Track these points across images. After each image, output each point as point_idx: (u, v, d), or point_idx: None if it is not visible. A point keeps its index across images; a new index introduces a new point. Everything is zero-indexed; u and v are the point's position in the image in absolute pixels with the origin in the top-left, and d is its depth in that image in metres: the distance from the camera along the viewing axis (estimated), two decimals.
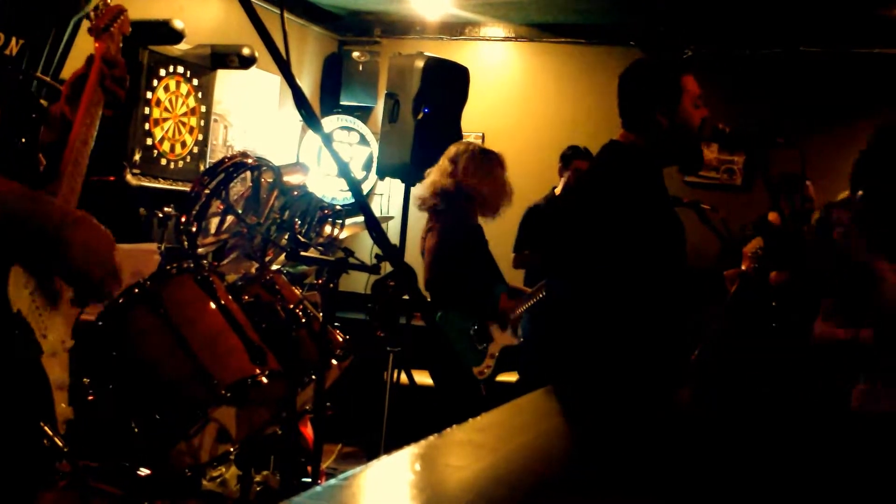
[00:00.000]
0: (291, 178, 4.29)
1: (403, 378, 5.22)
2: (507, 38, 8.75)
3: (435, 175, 5.22)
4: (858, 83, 7.62)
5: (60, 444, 2.36)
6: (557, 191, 6.74)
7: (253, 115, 7.85)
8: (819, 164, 6.38)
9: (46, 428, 2.33)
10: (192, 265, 3.71)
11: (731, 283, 3.59)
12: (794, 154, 3.56)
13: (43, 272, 2.36)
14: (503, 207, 5.44)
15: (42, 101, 2.80)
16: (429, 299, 5.23)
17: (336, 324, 4.41)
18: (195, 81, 7.10)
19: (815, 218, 5.96)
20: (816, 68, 7.70)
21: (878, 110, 7.58)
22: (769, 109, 7.63)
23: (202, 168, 6.98)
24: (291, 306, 4.00)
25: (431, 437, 1.45)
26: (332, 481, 1.19)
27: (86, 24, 2.78)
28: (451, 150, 5.29)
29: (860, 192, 3.07)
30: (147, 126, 6.68)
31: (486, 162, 5.26)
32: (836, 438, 2.05)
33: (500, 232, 6.20)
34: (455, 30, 8.79)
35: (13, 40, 2.78)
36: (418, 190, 5.36)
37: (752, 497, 1.39)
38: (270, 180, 4.07)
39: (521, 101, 8.68)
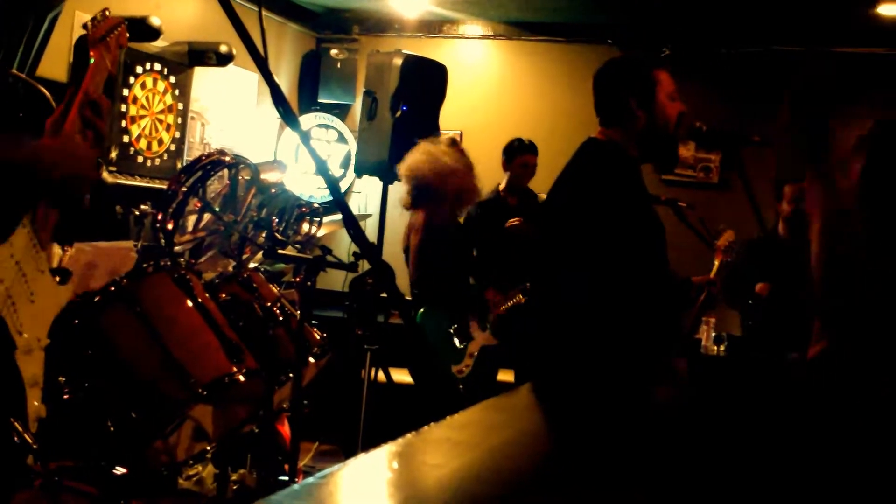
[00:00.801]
0: (269, 176, 4.28)
1: (381, 376, 5.22)
2: (485, 36, 8.75)
3: (418, 172, 5.20)
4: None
5: (30, 440, 2.35)
6: (501, 187, 6.59)
7: (230, 113, 7.82)
8: (794, 161, 6.41)
9: (17, 424, 2.32)
10: (168, 263, 3.70)
11: (700, 292, 3.60)
12: (771, 152, 3.58)
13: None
14: (471, 204, 5.44)
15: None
16: (410, 297, 5.23)
17: (313, 322, 4.40)
18: (172, 79, 7.08)
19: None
20: (792, 67, 7.74)
21: (853, 108, 7.63)
22: (745, 108, 7.66)
23: (179, 166, 6.96)
24: (269, 304, 3.99)
25: (409, 435, 1.45)
26: (310, 479, 1.19)
27: (64, 21, 2.78)
28: (430, 146, 5.27)
29: None
30: (123, 123, 6.65)
31: (464, 157, 5.26)
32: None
33: None
34: (433, 27, 8.79)
35: None
36: (401, 188, 5.34)
37: (731, 492, 1.40)
38: (248, 178, 4.06)
39: (500, 98, 8.68)
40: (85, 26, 2.66)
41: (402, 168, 5.23)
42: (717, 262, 4.05)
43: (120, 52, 2.75)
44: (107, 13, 2.71)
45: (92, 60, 2.61)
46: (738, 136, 3.59)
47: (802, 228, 5.77)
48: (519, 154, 6.49)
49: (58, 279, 2.58)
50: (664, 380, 3.40)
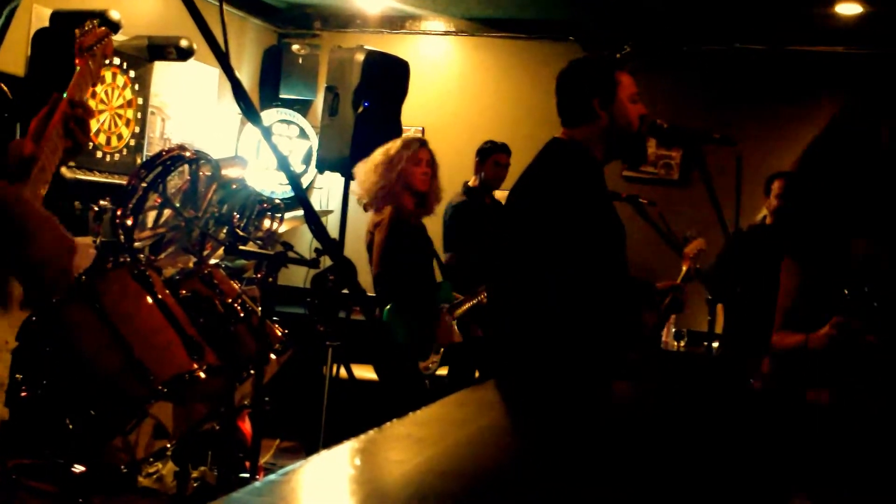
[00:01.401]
0: (230, 172, 4.25)
1: (343, 372, 5.21)
2: (447, 33, 8.75)
3: (377, 171, 5.19)
4: (794, 80, 7.74)
5: None
6: (472, 183, 6.63)
7: (191, 108, 7.77)
8: (754, 158, 6.48)
9: None
10: (128, 259, 3.68)
11: (665, 296, 3.61)
12: (731, 149, 3.60)
13: None
14: (437, 203, 5.44)
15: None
16: (374, 294, 5.22)
17: (275, 318, 4.38)
18: (132, 73, 7.02)
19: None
20: (753, 65, 7.81)
21: (813, 106, 7.72)
22: (707, 105, 7.73)
23: (139, 161, 6.91)
24: (230, 300, 3.98)
25: (371, 432, 1.45)
26: (272, 476, 1.18)
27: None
28: (393, 145, 5.26)
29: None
30: None
31: (420, 153, 5.24)
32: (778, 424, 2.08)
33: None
34: (395, 23, 8.78)
35: None
36: (360, 186, 5.32)
37: (690, 486, 1.41)
38: (209, 174, 4.03)
39: (462, 95, 8.69)
40: (73, 35, 2.65)
41: (356, 182, 5.23)
42: (684, 269, 4.07)
43: (105, 64, 2.75)
44: (95, 23, 2.71)
45: (77, 69, 2.60)
46: (699, 134, 3.61)
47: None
48: (493, 153, 6.55)
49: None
50: (623, 376, 3.42)
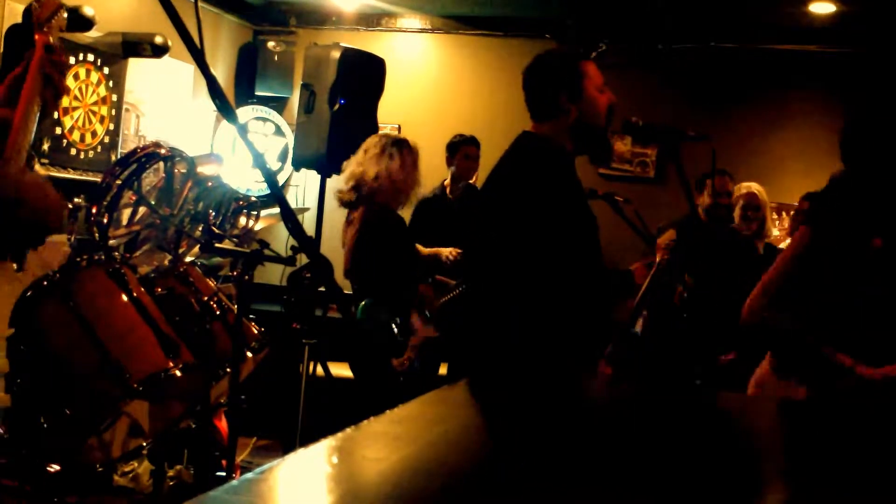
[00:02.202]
0: (205, 169, 4.24)
1: (319, 370, 5.20)
2: (423, 30, 8.75)
3: (356, 166, 5.19)
4: (768, 78, 7.78)
5: None
6: (447, 182, 6.67)
7: (166, 105, 7.74)
8: (729, 155, 6.51)
9: None
10: (103, 257, 3.65)
11: (641, 277, 3.63)
12: (705, 146, 3.61)
13: None
14: (413, 197, 5.44)
15: None
16: (349, 290, 5.21)
17: (251, 316, 4.37)
18: (106, 70, 6.98)
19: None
20: (728, 63, 7.85)
21: (787, 104, 7.77)
22: (682, 103, 7.76)
23: (113, 158, 6.87)
24: (206, 298, 3.96)
25: (348, 430, 1.45)
26: (249, 475, 1.18)
27: None
28: (371, 141, 5.26)
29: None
30: (56, 115, 6.53)
31: (409, 153, 5.25)
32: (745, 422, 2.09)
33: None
34: (371, 21, 8.76)
35: None
36: (338, 183, 5.32)
37: (660, 483, 1.41)
38: (184, 171, 4.02)
39: (438, 92, 8.69)
40: (30, 8, 2.67)
41: (344, 171, 5.22)
42: (657, 259, 4.09)
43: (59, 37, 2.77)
44: None
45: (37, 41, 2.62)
46: (674, 131, 3.62)
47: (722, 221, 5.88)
48: (462, 146, 6.57)
49: (14, 266, 2.58)
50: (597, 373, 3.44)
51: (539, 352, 3.11)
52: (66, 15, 2.76)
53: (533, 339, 3.13)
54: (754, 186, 6.16)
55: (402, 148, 5.21)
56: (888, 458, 1.76)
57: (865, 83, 7.30)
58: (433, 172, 6.58)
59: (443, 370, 5.62)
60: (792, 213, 6.67)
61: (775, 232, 7.60)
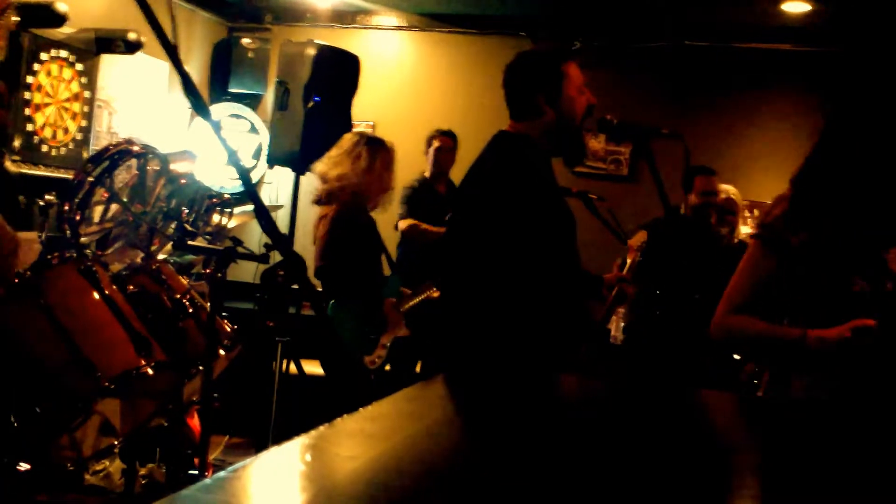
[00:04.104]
0: (179, 166, 4.22)
1: (293, 368, 5.18)
2: (399, 28, 8.74)
3: (324, 165, 5.18)
4: (741, 76, 7.83)
5: None
6: (427, 173, 6.75)
7: (139, 102, 7.69)
8: (702, 153, 6.54)
9: None
10: (74, 255, 3.63)
11: (612, 289, 3.64)
12: (678, 144, 3.63)
13: None
14: (387, 200, 5.43)
15: None
16: (319, 288, 5.20)
17: (224, 314, 4.35)
18: (79, 66, 6.93)
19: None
20: (701, 62, 7.88)
21: (760, 102, 7.82)
22: (655, 101, 7.79)
23: (86, 155, 6.82)
24: (178, 296, 3.95)
25: (322, 427, 1.44)
26: (222, 473, 1.17)
27: None
28: (347, 140, 5.25)
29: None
30: (27, 111, 6.48)
31: (381, 154, 5.24)
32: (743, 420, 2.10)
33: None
34: (346, 18, 8.74)
35: None
36: (314, 181, 5.30)
37: (633, 480, 1.41)
38: (157, 168, 4.00)
39: (413, 90, 8.68)
40: None
41: (317, 169, 5.21)
42: (629, 261, 4.10)
43: (7, 38, 2.72)
44: None
45: None
46: (647, 129, 3.63)
47: (708, 220, 5.90)
48: (435, 137, 6.75)
49: None
50: (573, 370, 3.44)
51: (514, 349, 3.12)
52: (14, 18, 2.72)
53: (508, 337, 3.13)
54: (731, 190, 6.19)
55: (372, 149, 5.19)
56: (862, 457, 1.77)
57: (838, 82, 7.35)
58: (408, 170, 6.58)
59: (418, 368, 5.63)
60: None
61: (747, 230, 7.65)
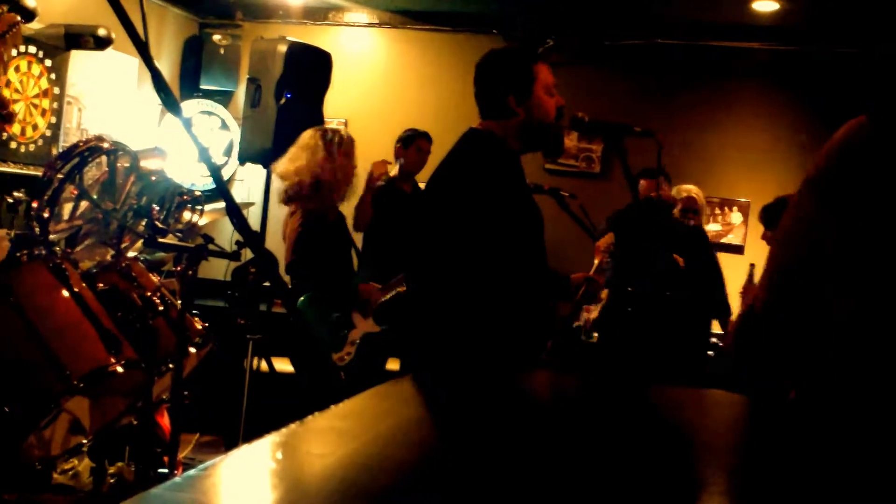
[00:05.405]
0: (149, 163, 4.20)
1: (263, 366, 5.17)
2: (370, 24, 8.72)
3: (285, 162, 5.16)
4: (712, 74, 7.87)
5: None
6: (394, 172, 6.67)
7: (109, 98, 7.63)
8: (673, 151, 6.58)
9: None
10: (43, 252, 3.61)
11: (579, 288, 3.65)
12: (650, 142, 3.64)
13: None
14: (351, 190, 5.41)
15: None
16: (290, 285, 5.19)
17: (195, 311, 4.33)
18: (48, 62, 6.88)
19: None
20: (673, 60, 7.92)
21: (731, 100, 7.86)
22: (627, 98, 7.82)
23: (55, 152, 6.77)
24: (148, 294, 3.93)
25: (293, 425, 1.44)
26: (192, 472, 1.17)
27: None
28: (304, 136, 5.22)
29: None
30: None
31: (339, 145, 5.22)
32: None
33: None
34: (318, 15, 8.72)
35: None
36: (278, 180, 5.28)
37: (603, 477, 1.42)
38: (127, 165, 3.98)
39: (385, 87, 8.67)
40: None
41: (277, 170, 5.20)
42: (596, 262, 4.13)
43: (14, 54, 2.73)
44: (4, 9, 2.67)
45: None
46: (619, 127, 3.65)
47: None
48: (415, 139, 6.61)
49: None
50: (542, 367, 3.45)
51: (478, 346, 3.12)
52: (21, 36, 2.72)
53: (472, 334, 3.14)
54: (693, 190, 6.24)
55: (329, 140, 5.17)
56: (833, 456, 1.78)
57: (808, 80, 7.42)
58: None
59: (391, 365, 5.62)
60: (735, 208, 6.75)
61: (716, 227, 7.71)
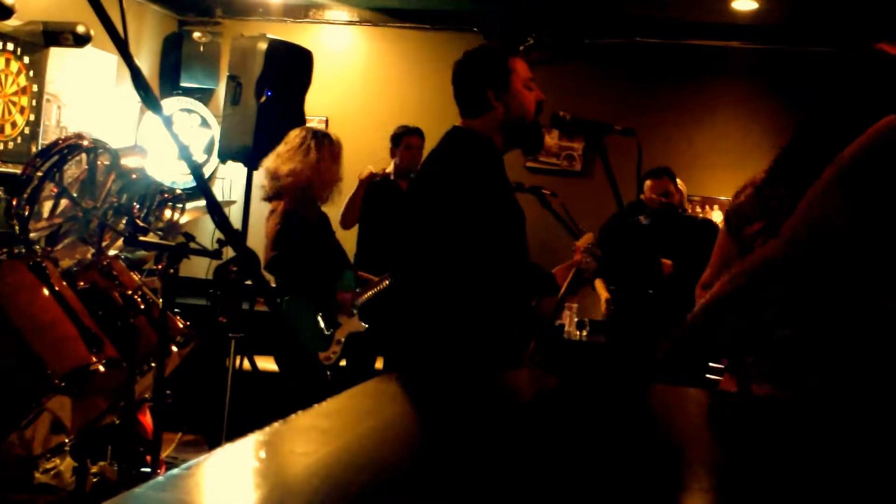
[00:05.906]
0: (129, 161, 4.18)
1: (246, 364, 5.16)
2: (351, 22, 8.71)
3: (273, 161, 5.15)
4: (692, 73, 7.91)
5: None
6: (389, 169, 6.73)
7: (88, 96, 7.60)
8: (654, 149, 6.60)
9: None
10: (23, 250, 3.59)
11: (562, 278, 3.67)
12: (631, 140, 3.65)
13: None
14: (335, 193, 5.41)
15: None
16: (273, 283, 5.18)
17: (176, 310, 4.32)
18: (26, 59, 6.84)
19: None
20: (653, 58, 7.94)
21: (710, 98, 7.90)
22: (608, 97, 7.84)
23: (34, 149, 6.74)
24: (129, 292, 3.91)
25: (276, 424, 1.44)
26: (175, 471, 1.17)
27: None
28: (291, 135, 5.22)
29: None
30: None
31: (329, 147, 5.22)
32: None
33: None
34: (298, 12, 8.71)
35: None
36: (262, 177, 5.27)
37: (585, 476, 1.42)
38: (107, 163, 3.96)
39: (366, 85, 8.67)
40: None
41: (266, 166, 5.19)
42: (576, 261, 4.15)
43: None
44: None
45: None
46: (600, 125, 3.66)
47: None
48: (404, 136, 6.68)
49: None
50: (525, 365, 3.45)
51: (464, 345, 3.13)
52: None
53: (458, 333, 3.14)
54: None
55: (320, 142, 5.17)
56: (816, 455, 1.79)
57: (787, 78, 7.45)
58: (361, 165, 6.58)
59: (380, 364, 5.62)
60: (716, 206, 6.80)
61: None
